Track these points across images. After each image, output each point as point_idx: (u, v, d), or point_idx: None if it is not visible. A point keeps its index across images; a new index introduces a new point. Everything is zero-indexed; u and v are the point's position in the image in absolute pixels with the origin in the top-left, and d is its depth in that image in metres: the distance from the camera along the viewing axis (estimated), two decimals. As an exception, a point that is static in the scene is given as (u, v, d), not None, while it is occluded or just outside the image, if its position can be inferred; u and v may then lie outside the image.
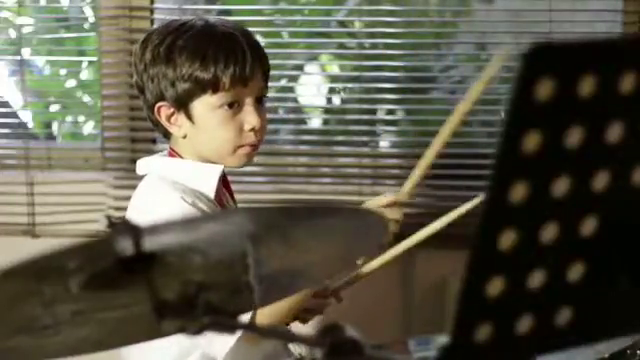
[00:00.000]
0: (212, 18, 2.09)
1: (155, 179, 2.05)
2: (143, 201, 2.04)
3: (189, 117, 2.03)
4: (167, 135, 2.09)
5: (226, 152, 2.04)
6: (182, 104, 2.02)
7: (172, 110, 2.03)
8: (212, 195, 2.03)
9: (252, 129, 2.03)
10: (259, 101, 2.06)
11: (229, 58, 1.99)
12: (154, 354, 1.98)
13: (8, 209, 3.11)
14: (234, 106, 2.02)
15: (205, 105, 2.01)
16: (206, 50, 1.99)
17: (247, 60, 2.00)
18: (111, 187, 3.10)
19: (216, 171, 2.05)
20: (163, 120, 2.05)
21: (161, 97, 2.03)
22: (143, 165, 2.10)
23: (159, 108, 2.04)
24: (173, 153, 2.08)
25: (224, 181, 2.10)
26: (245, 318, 1.88)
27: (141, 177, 2.09)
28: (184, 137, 2.05)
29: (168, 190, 1.99)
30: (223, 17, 3.05)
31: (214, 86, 1.99)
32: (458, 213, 2.12)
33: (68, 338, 1.25)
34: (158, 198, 2.00)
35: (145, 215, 1.96)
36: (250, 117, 2.03)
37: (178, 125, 2.05)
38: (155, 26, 3.03)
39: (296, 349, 2.15)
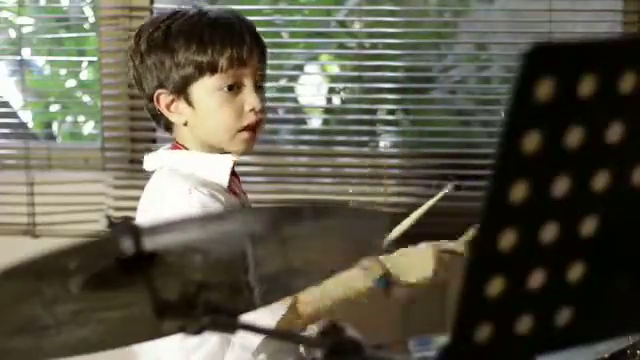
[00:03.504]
0: (206, 6, 2.10)
1: (167, 173, 2.04)
2: (159, 196, 2.02)
3: (189, 102, 2.02)
4: (169, 126, 2.09)
5: (227, 136, 2.03)
6: (181, 89, 2.02)
7: (171, 97, 2.03)
8: (225, 184, 2.04)
9: (252, 109, 2.03)
10: (259, 85, 2.06)
11: (225, 40, 2.00)
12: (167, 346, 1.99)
13: (8, 209, 3.11)
14: (233, 88, 2.02)
15: (204, 88, 2.01)
16: (202, 33, 2.00)
17: (245, 41, 2.01)
18: (111, 187, 3.10)
19: (227, 161, 2.05)
20: (163, 108, 2.04)
21: (159, 85, 2.03)
22: (151, 161, 2.09)
23: (158, 96, 2.03)
24: (177, 145, 2.08)
25: (234, 173, 2.10)
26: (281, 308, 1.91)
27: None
28: (185, 124, 2.04)
29: (182, 183, 1.99)
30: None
31: (212, 68, 2.00)
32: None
33: (68, 338, 1.25)
34: (174, 191, 1.99)
35: (163, 209, 1.97)
36: (250, 97, 2.03)
37: (178, 112, 2.04)
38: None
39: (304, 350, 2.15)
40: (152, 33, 2.02)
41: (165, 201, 1.99)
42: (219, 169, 2.04)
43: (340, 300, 2.01)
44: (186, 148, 2.07)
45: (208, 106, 2.02)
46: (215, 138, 2.04)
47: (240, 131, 2.03)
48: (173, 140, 2.10)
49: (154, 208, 2.01)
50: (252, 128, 2.04)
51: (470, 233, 2.11)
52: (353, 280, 2.00)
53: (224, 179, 2.04)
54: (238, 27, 2.02)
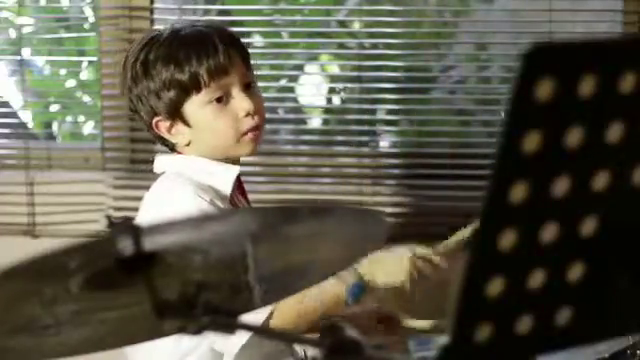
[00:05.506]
0: (179, 23, 2.12)
1: (171, 177, 2.06)
2: (160, 198, 2.05)
3: (185, 123, 2.06)
4: (174, 148, 2.12)
5: (230, 143, 2.06)
6: (174, 112, 2.05)
7: (169, 122, 2.07)
8: (228, 193, 2.04)
9: (247, 114, 2.04)
10: (248, 87, 2.07)
11: (200, 53, 2.02)
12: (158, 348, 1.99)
13: (8, 209, 3.11)
14: (222, 99, 2.04)
15: (194, 106, 2.04)
16: (177, 53, 2.03)
17: (219, 50, 2.03)
18: (111, 187, 3.09)
19: (233, 170, 2.06)
20: (164, 133, 2.08)
21: (154, 112, 2.06)
22: (160, 163, 2.12)
23: (156, 123, 2.07)
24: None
25: (239, 185, 2.11)
26: (262, 314, 1.91)
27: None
28: (188, 144, 2.08)
29: (184, 186, 2.01)
30: (220, 19, 3.06)
31: (195, 85, 2.02)
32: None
33: (68, 338, 1.25)
34: (174, 194, 2.02)
35: (161, 211, 1.98)
36: (241, 103, 2.05)
37: (180, 134, 2.07)
38: (155, 26, 3.05)
39: (301, 349, 2.15)
40: (134, 64, 2.06)
41: (166, 205, 2.00)
42: (223, 177, 2.06)
43: (317, 315, 2.01)
44: None
45: (203, 122, 2.05)
46: (219, 149, 2.07)
47: (243, 135, 2.05)
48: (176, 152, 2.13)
49: (155, 211, 2.03)
50: (253, 129, 2.06)
51: (459, 235, 2.11)
52: (327, 292, 1.99)
53: (227, 188, 2.05)
54: (211, 38, 2.04)
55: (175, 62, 2.02)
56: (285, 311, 1.95)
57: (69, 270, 1.15)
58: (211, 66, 2.01)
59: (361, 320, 2.23)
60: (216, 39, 2.03)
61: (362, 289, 2.03)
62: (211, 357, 2.01)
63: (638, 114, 0.98)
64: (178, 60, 2.02)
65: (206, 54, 2.02)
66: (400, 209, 3.07)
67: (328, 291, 1.99)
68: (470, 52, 3.31)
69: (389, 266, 2.02)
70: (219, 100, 2.03)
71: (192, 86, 2.02)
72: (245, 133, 2.06)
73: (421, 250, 2.06)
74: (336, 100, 3.42)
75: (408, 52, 3.16)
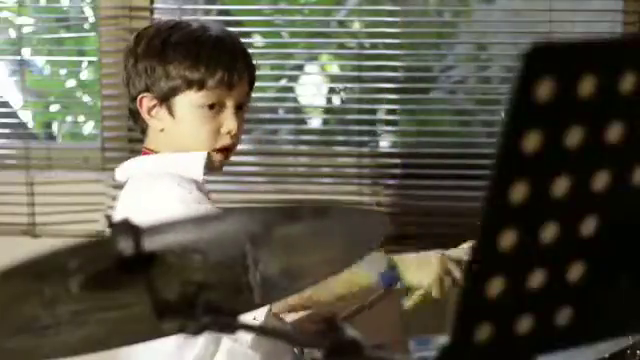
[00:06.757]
0: (208, 21, 2.13)
1: (144, 177, 2.07)
2: (139, 199, 2.05)
3: (170, 111, 2.07)
4: (144, 130, 2.12)
5: (201, 151, 2.07)
6: (165, 98, 2.06)
7: (154, 102, 2.07)
8: (200, 179, 2.05)
9: (228, 132, 2.06)
10: (240, 107, 2.09)
11: (219, 63, 2.04)
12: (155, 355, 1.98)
13: (8, 209, 3.11)
14: (215, 107, 2.06)
15: (187, 102, 2.05)
16: (198, 51, 2.04)
17: (236, 67, 2.06)
18: (111, 187, 3.09)
19: (201, 156, 2.06)
20: (143, 111, 2.08)
21: (146, 89, 2.07)
22: (122, 170, 2.13)
23: (141, 99, 2.08)
24: (147, 152, 2.12)
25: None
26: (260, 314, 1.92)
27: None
28: (161, 130, 2.08)
29: (163, 182, 2.01)
30: (220, 19, 3.07)
31: (199, 85, 2.04)
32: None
33: (68, 338, 1.25)
34: (155, 189, 2.02)
35: (148, 211, 1.98)
36: (229, 121, 2.07)
37: (158, 118, 2.08)
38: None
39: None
40: (152, 39, 2.07)
41: (148, 203, 2.00)
42: (193, 164, 2.06)
43: (341, 295, 2.02)
44: (156, 153, 2.10)
45: (188, 120, 2.06)
46: (189, 149, 2.07)
47: (214, 151, 2.06)
48: (143, 148, 2.13)
49: (137, 212, 2.01)
50: (225, 150, 2.08)
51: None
52: (356, 274, 2.00)
53: (198, 174, 2.05)
54: (233, 50, 2.07)
55: (193, 59, 2.03)
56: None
57: (69, 270, 1.15)
58: (223, 78, 2.04)
59: (305, 324, 2.24)
60: (239, 54, 2.07)
61: (392, 280, 2.03)
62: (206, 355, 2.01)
63: (638, 114, 0.98)
64: (197, 59, 2.03)
65: (223, 65, 2.04)
66: (400, 209, 3.07)
67: (356, 281, 2.00)
68: (470, 52, 3.31)
69: (421, 265, 2.02)
70: (211, 107, 2.05)
71: (196, 85, 2.04)
72: (217, 150, 2.07)
73: (452, 252, 2.05)
74: (336, 100, 3.42)
75: (408, 52, 3.15)
